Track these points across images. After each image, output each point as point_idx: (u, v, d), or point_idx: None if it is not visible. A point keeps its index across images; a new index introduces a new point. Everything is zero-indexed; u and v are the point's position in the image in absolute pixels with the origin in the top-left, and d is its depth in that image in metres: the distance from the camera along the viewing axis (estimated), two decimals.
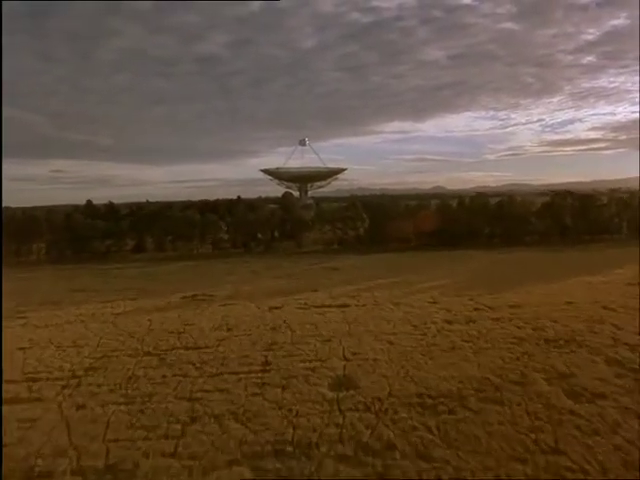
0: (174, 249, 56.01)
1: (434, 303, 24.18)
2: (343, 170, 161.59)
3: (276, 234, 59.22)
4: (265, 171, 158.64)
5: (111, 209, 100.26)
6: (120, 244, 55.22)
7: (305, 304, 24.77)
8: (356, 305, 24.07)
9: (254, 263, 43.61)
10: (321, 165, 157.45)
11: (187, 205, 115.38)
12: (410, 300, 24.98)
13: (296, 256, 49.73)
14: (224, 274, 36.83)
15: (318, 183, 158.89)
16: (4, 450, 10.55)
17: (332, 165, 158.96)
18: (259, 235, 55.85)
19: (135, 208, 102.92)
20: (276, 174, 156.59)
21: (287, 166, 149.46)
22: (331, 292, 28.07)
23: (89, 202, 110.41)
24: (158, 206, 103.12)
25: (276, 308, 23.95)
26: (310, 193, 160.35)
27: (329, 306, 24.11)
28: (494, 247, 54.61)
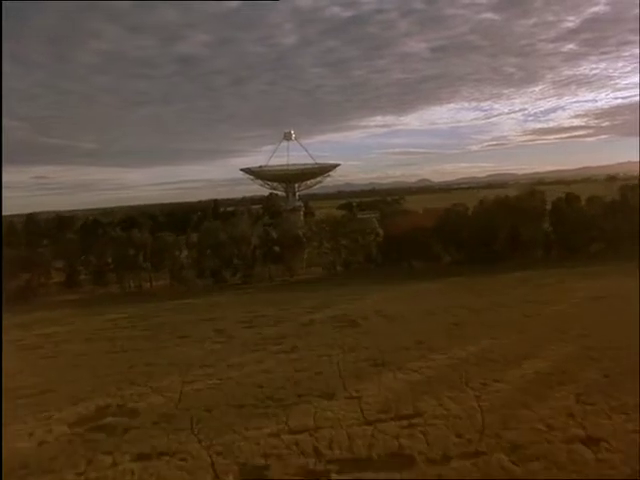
0: (119, 281, 43.61)
1: None
2: (336, 166, 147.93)
3: (258, 252, 46.87)
4: (246, 170, 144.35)
5: (58, 223, 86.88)
6: (40, 279, 42.53)
7: (315, 453, 12.49)
8: (428, 460, 11.84)
9: (225, 309, 31.35)
10: (310, 162, 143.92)
11: (151, 214, 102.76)
12: (557, 439, 12.82)
13: (287, 291, 37.58)
14: (173, 339, 24.46)
15: (308, 182, 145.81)
16: None
17: (319, 162, 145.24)
18: (235, 260, 43.51)
19: (90, 222, 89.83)
20: (259, 173, 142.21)
21: (271, 164, 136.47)
22: (362, 398, 15.85)
23: (30, 216, 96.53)
24: (112, 217, 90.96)
25: None
26: (298, 193, 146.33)
27: (373, 462, 11.90)
28: (554, 262, 43.07)
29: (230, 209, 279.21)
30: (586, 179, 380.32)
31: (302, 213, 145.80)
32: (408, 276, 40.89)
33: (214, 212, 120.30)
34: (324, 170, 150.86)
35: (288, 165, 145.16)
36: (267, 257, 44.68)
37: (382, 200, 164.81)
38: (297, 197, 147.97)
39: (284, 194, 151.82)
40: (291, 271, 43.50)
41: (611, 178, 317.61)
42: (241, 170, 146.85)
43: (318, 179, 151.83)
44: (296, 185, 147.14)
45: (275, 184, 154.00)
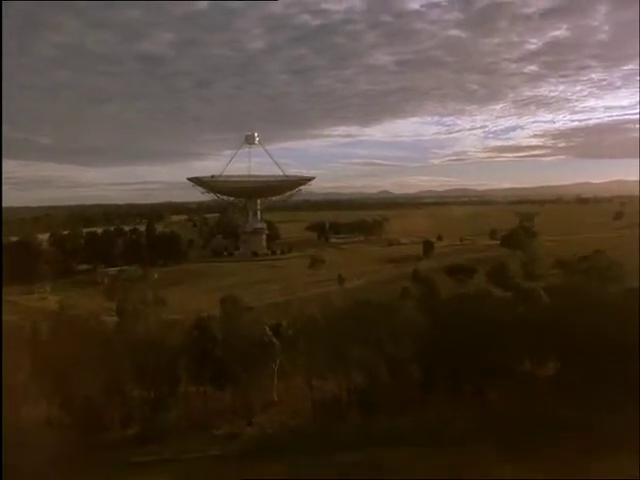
0: None
1: None
2: (309, 180, 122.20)
3: (182, 365, 25.11)
4: (194, 181, 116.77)
5: None
6: None
7: None
8: None
9: None
10: (274, 171, 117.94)
11: (61, 238, 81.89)
12: None
13: None
14: None
15: (274, 198, 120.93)
16: None
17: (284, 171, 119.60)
18: (129, 387, 21.88)
19: None
20: (211, 184, 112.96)
21: (228, 173, 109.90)
22: None
23: None
24: None
25: None
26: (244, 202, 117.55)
27: None
28: None
29: (182, 217, 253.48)
30: (557, 199, 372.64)
31: (265, 237, 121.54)
32: (487, 435, 20.48)
33: (148, 233, 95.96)
34: (294, 184, 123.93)
35: (249, 176, 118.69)
36: (200, 372, 23.10)
37: (363, 222, 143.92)
38: (259, 216, 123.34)
39: (241, 204, 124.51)
40: (249, 409, 22.42)
41: (582, 200, 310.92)
42: (189, 180, 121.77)
43: (287, 194, 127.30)
44: (258, 201, 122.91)
45: (231, 198, 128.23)
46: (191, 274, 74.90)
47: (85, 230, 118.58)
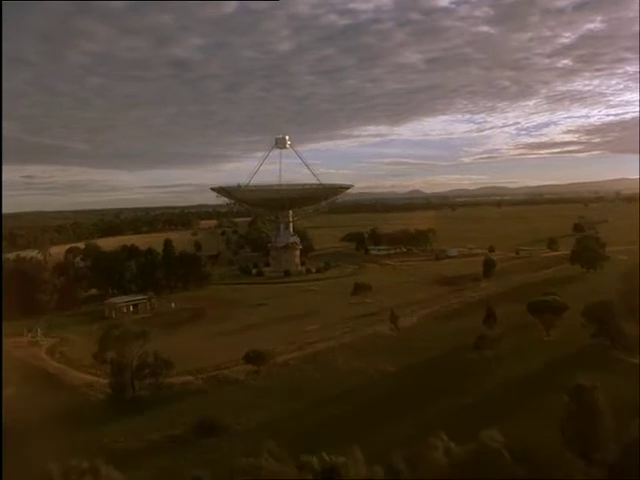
0: None
1: None
2: (346, 188, 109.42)
3: None
4: (219, 191, 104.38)
5: None
6: None
7: None
8: None
9: None
10: (310, 176, 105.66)
11: (65, 265, 72.85)
12: None
13: None
14: None
15: (307, 208, 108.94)
16: None
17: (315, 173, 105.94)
18: None
19: None
20: (239, 195, 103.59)
21: (258, 177, 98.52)
22: None
23: None
24: None
25: None
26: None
27: None
28: None
29: (212, 223, 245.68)
30: (599, 198, 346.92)
31: (298, 252, 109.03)
32: None
33: (166, 253, 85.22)
34: (329, 193, 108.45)
35: (280, 185, 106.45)
36: None
37: (404, 232, 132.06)
38: (292, 229, 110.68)
39: (271, 217, 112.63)
40: None
41: (628, 198, 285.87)
42: (213, 190, 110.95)
43: (322, 204, 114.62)
44: (290, 212, 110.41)
45: (259, 210, 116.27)
46: (213, 302, 64.92)
47: (105, 241, 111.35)
